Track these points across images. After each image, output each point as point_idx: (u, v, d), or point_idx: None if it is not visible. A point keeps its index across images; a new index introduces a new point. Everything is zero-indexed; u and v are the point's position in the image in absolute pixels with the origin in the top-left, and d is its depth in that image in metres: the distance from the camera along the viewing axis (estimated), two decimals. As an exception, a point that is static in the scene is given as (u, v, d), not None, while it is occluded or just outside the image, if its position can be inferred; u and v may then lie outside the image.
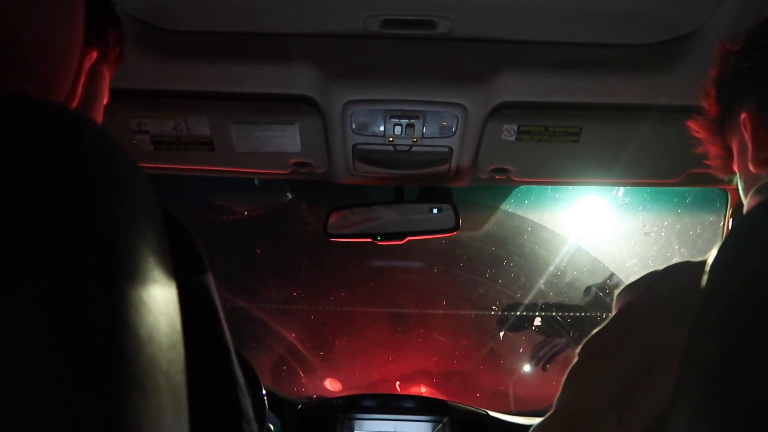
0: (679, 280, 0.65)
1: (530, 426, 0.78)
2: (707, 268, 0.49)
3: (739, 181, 0.73)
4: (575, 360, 0.72)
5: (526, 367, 3.21)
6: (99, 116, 0.66)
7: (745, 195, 0.69)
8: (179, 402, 0.36)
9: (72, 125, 0.36)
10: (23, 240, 0.30)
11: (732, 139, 0.72)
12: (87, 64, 0.61)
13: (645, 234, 2.80)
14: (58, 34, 0.45)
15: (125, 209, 0.36)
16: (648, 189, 2.53)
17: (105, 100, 0.68)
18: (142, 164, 0.53)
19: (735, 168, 0.73)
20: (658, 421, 0.57)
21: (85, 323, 0.31)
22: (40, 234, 0.30)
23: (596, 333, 0.70)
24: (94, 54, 0.63)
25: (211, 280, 0.61)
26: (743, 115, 0.67)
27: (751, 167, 0.65)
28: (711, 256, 0.50)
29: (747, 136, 0.66)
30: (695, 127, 0.79)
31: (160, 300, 0.36)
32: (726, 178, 0.79)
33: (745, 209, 0.68)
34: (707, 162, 0.79)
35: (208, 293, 0.60)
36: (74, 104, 0.59)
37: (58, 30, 0.45)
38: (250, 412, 0.61)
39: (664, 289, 0.66)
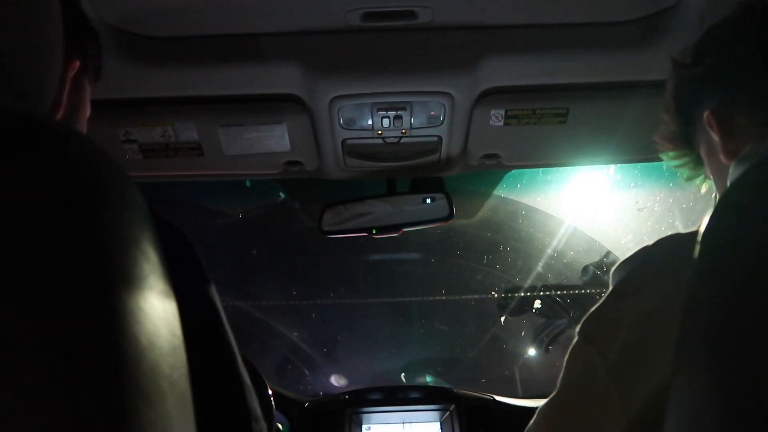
0: (670, 252, 0.66)
1: (537, 408, 0.79)
2: (699, 238, 0.50)
3: (714, 181, 0.76)
4: (575, 339, 0.72)
5: (530, 350, 3.23)
6: (83, 127, 0.66)
7: (723, 187, 0.72)
8: (184, 406, 0.37)
9: (57, 135, 0.36)
10: (12, 251, 0.30)
11: (699, 146, 0.76)
12: (71, 74, 0.61)
13: (638, 210, 2.81)
14: (37, 45, 0.45)
15: (115, 216, 0.36)
16: (639, 165, 2.54)
17: (87, 113, 0.68)
18: (132, 173, 0.53)
19: (708, 174, 0.77)
20: (660, 394, 0.58)
21: (82, 333, 0.31)
22: (28, 244, 0.30)
23: (594, 311, 0.71)
24: (77, 63, 0.62)
25: (210, 282, 0.61)
26: (706, 114, 0.70)
27: (723, 159, 0.69)
28: (702, 226, 0.51)
29: (713, 133, 0.70)
30: (662, 142, 0.83)
31: (158, 306, 0.36)
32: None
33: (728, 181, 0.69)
34: (677, 167, 0.83)
35: (208, 296, 0.60)
36: (59, 115, 0.59)
37: (36, 40, 0.45)
38: (258, 411, 0.62)
39: (656, 261, 0.67)
